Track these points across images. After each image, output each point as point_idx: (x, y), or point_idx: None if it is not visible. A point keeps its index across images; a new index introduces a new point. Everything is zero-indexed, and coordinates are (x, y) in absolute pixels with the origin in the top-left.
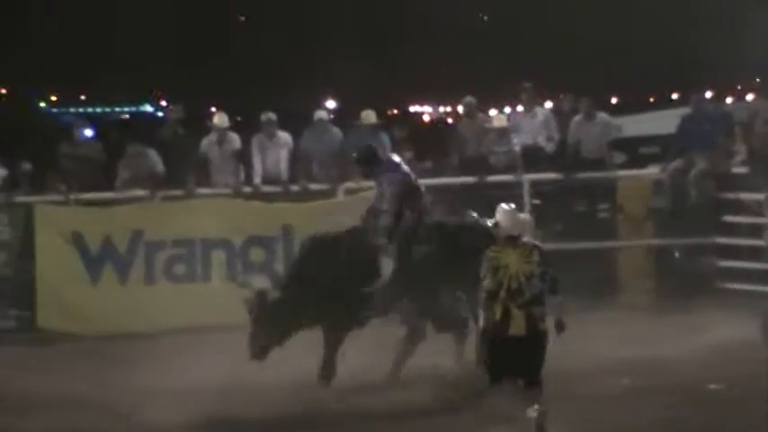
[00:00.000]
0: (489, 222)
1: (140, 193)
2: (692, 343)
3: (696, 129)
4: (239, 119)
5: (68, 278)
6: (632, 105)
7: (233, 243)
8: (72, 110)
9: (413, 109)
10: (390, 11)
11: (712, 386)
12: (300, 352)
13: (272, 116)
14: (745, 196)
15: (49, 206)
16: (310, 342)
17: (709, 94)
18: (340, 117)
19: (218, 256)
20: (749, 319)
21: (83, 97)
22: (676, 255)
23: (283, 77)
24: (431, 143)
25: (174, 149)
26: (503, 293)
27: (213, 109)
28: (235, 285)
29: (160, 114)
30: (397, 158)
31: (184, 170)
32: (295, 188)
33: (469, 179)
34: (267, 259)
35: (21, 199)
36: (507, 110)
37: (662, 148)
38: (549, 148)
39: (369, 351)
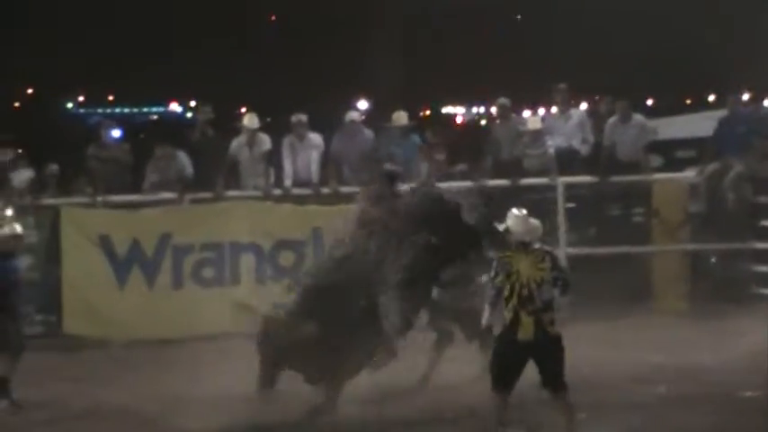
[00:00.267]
0: (500, 227)
1: (169, 195)
2: (729, 349)
3: (732, 131)
4: (269, 120)
5: (95, 282)
6: (668, 107)
7: (262, 247)
8: (99, 110)
9: (445, 110)
10: (422, 10)
11: (749, 393)
12: None
13: (303, 117)
14: None
15: (75, 208)
16: None
17: (746, 96)
18: (371, 118)
19: (248, 260)
20: None
21: (110, 98)
22: (712, 260)
23: (314, 78)
24: (464, 146)
25: (203, 151)
26: (514, 300)
27: (243, 110)
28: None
29: (189, 115)
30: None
31: (213, 172)
32: (326, 191)
33: (503, 182)
34: (297, 263)
35: (47, 201)
36: (541, 112)
37: (698, 151)
38: (584, 150)
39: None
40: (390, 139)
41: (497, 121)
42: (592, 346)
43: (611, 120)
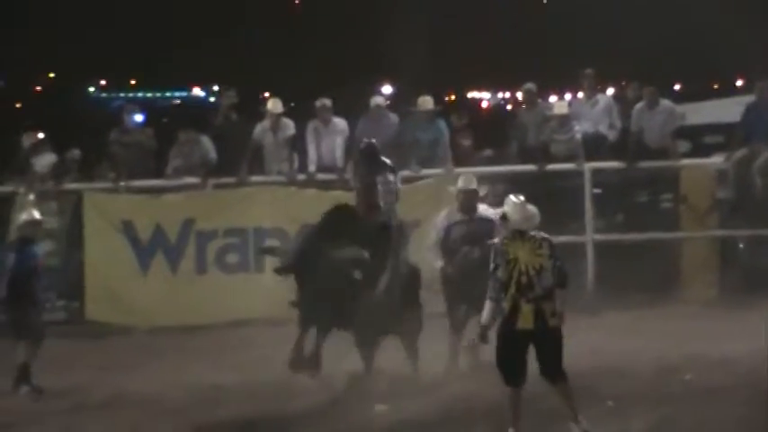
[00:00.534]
0: (497, 214)
1: (192, 180)
2: (757, 339)
3: (760, 117)
4: (293, 104)
5: (118, 268)
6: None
7: (287, 232)
8: (122, 95)
9: (471, 95)
10: None
11: None
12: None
13: (328, 102)
14: None
15: (98, 194)
16: None
17: None
18: (396, 103)
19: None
20: None
21: (133, 82)
22: (741, 246)
23: (339, 62)
24: (490, 131)
25: (227, 136)
26: (512, 288)
27: (266, 94)
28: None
29: (212, 100)
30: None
31: (237, 157)
32: (350, 176)
33: (529, 168)
34: None
35: (70, 186)
36: (568, 97)
37: (726, 136)
38: (612, 136)
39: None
40: (416, 124)
41: (523, 107)
42: (619, 336)
43: (639, 105)
